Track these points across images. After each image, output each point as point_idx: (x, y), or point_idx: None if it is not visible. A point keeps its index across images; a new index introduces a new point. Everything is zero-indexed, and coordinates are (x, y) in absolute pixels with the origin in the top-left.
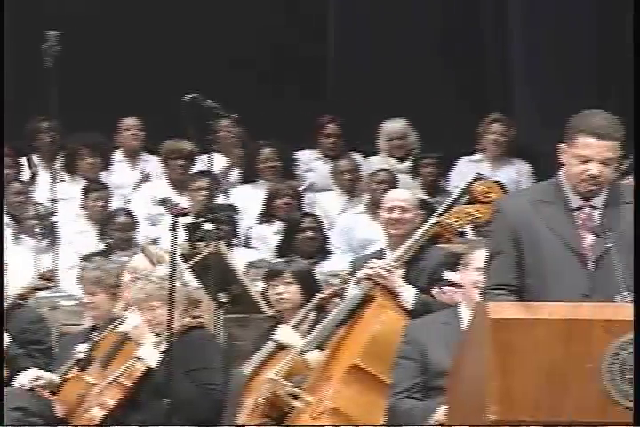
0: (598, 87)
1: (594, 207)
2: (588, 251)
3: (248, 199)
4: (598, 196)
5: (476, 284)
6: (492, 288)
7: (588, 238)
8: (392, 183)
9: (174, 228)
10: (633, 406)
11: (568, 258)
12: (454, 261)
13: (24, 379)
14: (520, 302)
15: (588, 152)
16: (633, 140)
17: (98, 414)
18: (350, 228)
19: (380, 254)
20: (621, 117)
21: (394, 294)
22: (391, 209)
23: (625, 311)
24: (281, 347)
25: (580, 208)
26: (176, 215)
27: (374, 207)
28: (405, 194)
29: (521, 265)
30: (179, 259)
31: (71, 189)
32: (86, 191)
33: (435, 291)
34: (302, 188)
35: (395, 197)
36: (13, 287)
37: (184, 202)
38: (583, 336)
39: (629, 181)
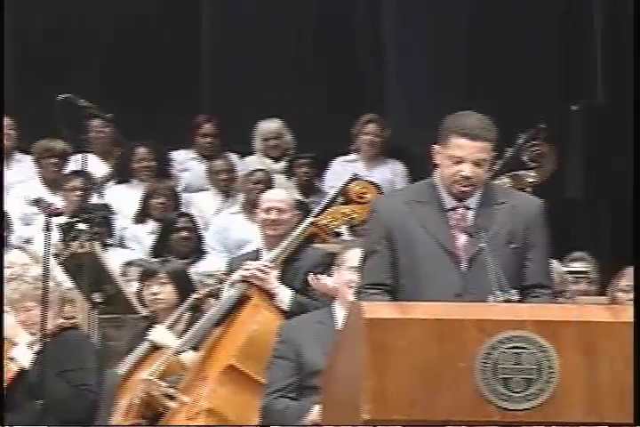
0: (467, 88)
1: (467, 208)
2: (462, 251)
3: (123, 199)
4: (472, 196)
5: (349, 283)
6: (366, 288)
7: (462, 239)
8: (268, 183)
9: (48, 228)
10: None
11: (442, 258)
12: (330, 262)
13: None
14: (394, 301)
15: (461, 153)
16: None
17: None
18: (225, 228)
19: (256, 255)
20: (492, 118)
21: (270, 295)
22: (268, 210)
23: (497, 311)
24: (156, 347)
25: (454, 208)
26: (50, 215)
27: (250, 207)
28: (282, 194)
29: (395, 265)
30: (52, 259)
31: None
32: None
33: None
34: (179, 188)
35: (272, 198)
36: None
37: (58, 202)
38: (456, 336)
39: (503, 181)
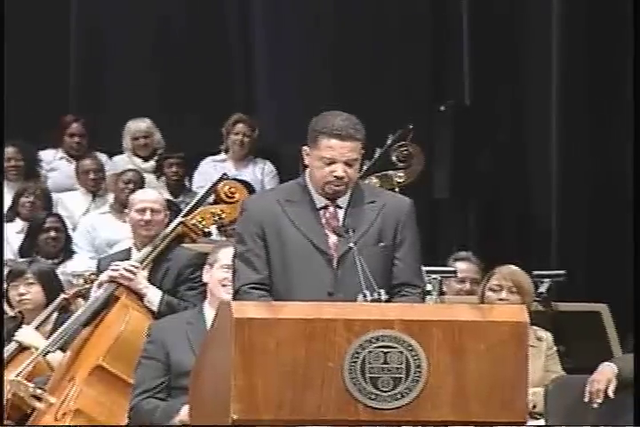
0: (336, 88)
1: (338, 207)
2: (333, 250)
3: None
4: (343, 196)
5: (222, 281)
6: (239, 288)
7: (333, 237)
8: (139, 183)
9: None
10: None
11: (313, 257)
12: (200, 262)
13: None
14: (265, 301)
15: (332, 154)
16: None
17: None
18: (94, 228)
19: (126, 254)
20: (360, 119)
21: (139, 295)
22: (142, 210)
23: (366, 310)
24: (23, 348)
25: (325, 207)
26: None
27: (119, 207)
28: (154, 195)
29: (268, 264)
30: None
31: None
32: None
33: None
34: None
35: (145, 198)
36: None
37: None
38: (325, 335)
39: (372, 181)
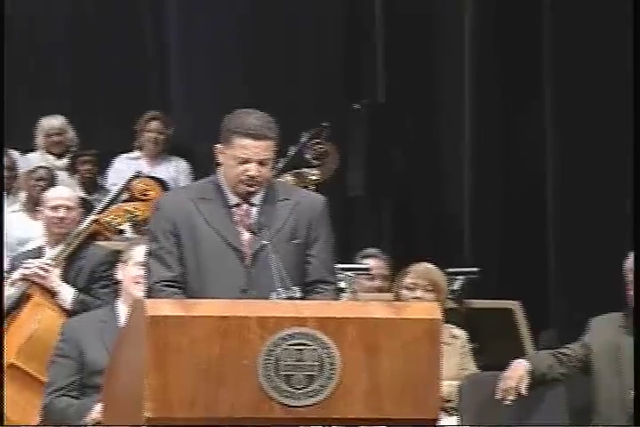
0: (251, 86)
1: (251, 204)
2: (246, 247)
3: None
4: (256, 194)
5: (135, 279)
6: (153, 285)
7: (246, 235)
8: (51, 181)
9: None
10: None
11: (227, 254)
12: (113, 259)
13: None
14: (179, 298)
15: (245, 154)
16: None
17: None
18: (6, 226)
19: (39, 252)
20: (275, 117)
21: (52, 293)
22: (55, 208)
23: (280, 308)
24: None
25: (238, 205)
26: None
27: (31, 205)
28: (68, 192)
29: (182, 262)
30: None
31: None
32: None
33: None
34: None
35: (59, 196)
36: None
37: None
38: (239, 333)
39: (286, 179)
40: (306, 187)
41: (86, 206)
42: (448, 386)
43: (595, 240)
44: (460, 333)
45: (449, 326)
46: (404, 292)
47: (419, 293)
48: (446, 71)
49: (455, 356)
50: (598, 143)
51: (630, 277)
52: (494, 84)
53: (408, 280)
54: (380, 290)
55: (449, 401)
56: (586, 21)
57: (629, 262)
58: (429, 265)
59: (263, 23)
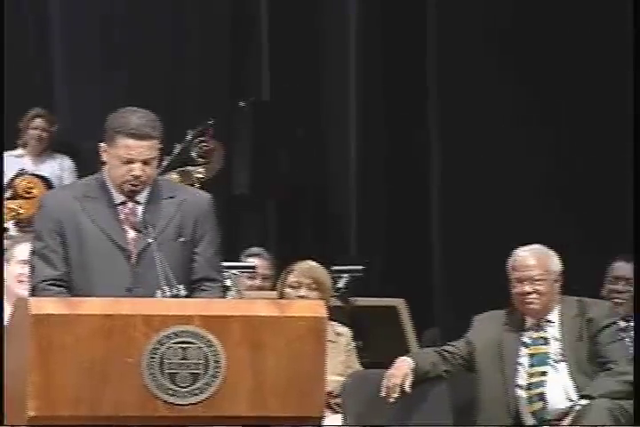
0: (134, 85)
1: (137, 202)
2: (132, 246)
3: None
4: (141, 192)
5: (18, 277)
6: (37, 284)
7: (131, 233)
8: None
9: None
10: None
11: (112, 253)
12: None
13: None
14: (65, 297)
15: (129, 154)
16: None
17: None
18: None
19: None
20: (160, 115)
21: None
22: None
23: (165, 306)
24: None
25: (123, 203)
26: None
27: None
28: None
29: (67, 261)
30: None
31: None
32: None
33: None
34: None
35: None
36: None
37: None
38: (123, 331)
39: (171, 177)
40: (191, 185)
41: None
42: (336, 382)
43: (478, 239)
44: (345, 330)
45: (333, 323)
46: (288, 290)
47: (302, 291)
48: (332, 70)
49: (340, 354)
50: (481, 143)
51: (515, 275)
52: (379, 82)
53: (292, 279)
54: (260, 289)
55: (336, 397)
56: (470, 18)
57: (511, 260)
58: (313, 263)
59: (148, 22)
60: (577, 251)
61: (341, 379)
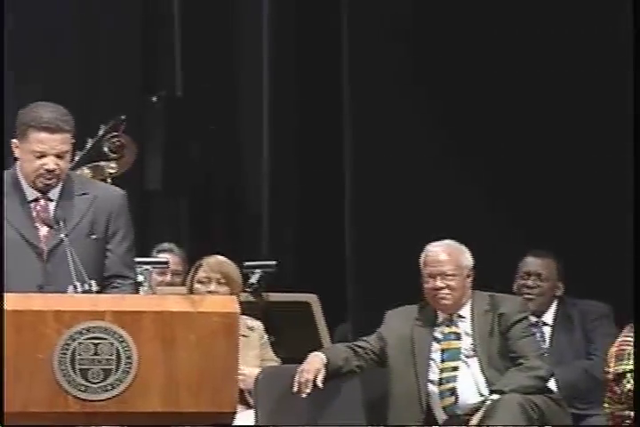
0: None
1: (49, 199)
2: (43, 243)
3: None
4: (54, 188)
5: None
6: None
7: (43, 230)
8: None
9: None
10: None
11: (24, 250)
12: None
13: None
14: None
15: (42, 147)
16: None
17: None
18: None
19: None
20: (72, 110)
21: None
22: None
23: (76, 302)
24: None
25: (35, 200)
26: None
27: None
28: None
29: None
30: None
31: None
32: None
33: None
34: None
35: None
36: None
37: None
38: (35, 327)
39: (84, 172)
40: (103, 180)
41: None
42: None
43: (390, 235)
44: (257, 324)
45: (245, 317)
46: (197, 285)
47: (212, 286)
48: (245, 66)
49: (254, 347)
50: (394, 137)
51: (427, 270)
52: (292, 79)
53: (201, 274)
54: (171, 285)
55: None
56: (377, 17)
57: (423, 256)
58: (222, 258)
59: (62, 18)
60: (493, 246)
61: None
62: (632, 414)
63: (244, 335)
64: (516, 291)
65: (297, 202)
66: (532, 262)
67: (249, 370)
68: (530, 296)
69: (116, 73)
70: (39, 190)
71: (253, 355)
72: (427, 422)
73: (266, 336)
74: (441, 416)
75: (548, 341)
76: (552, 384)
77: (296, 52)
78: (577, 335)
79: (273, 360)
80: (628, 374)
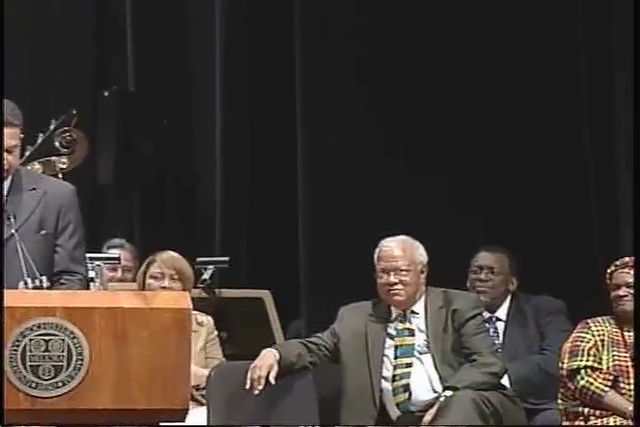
0: None
1: None
2: None
3: None
4: (3, 182)
5: None
6: None
7: None
8: None
9: None
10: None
11: None
12: None
13: None
14: None
15: None
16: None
17: None
18: None
19: None
20: (20, 104)
21: None
22: None
23: (27, 298)
24: None
25: None
26: None
27: None
28: None
29: None
30: None
31: None
32: None
33: None
34: None
35: None
36: None
37: None
38: None
39: (35, 167)
40: (55, 175)
41: None
42: (201, 374)
43: (344, 230)
44: (206, 319)
45: (195, 313)
46: (150, 281)
47: (165, 282)
48: (197, 60)
49: (201, 343)
50: (346, 130)
51: (381, 265)
52: (245, 74)
53: (153, 269)
54: (122, 281)
55: (202, 389)
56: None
57: (377, 251)
58: (174, 254)
59: (12, 13)
60: (448, 242)
61: (205, 371)
62: (586, 410)
63: (193, 331)
64: (469, 286)
65: (250, 199)
66: (484, 257)
67: (194, 368)
68: (482, 289)
69: (67, 67)
70: None
71: (200, 350)
72: (380, 418)
73: (215, 333)
74: (394, 413)
75: (501, 336)
76: (505, 380)
77: (249, 46)
78: (530, 331)
79: (218, 358)
80: (582, 371)
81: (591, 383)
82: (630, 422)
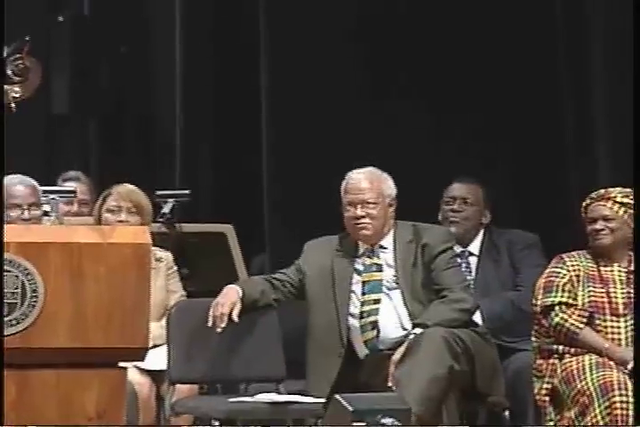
0: None
1: None
2: None
3: None
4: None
5: None
6: None
7: None
8: None
9: None
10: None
11: None
12: None
13: None
14: None
15: None
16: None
17: None
18: None
19: None
20: None
21: None
22: None
23: None
24: None
25: None
26: None
27: None
28: None
29: None
30: None
31: None
32: None
33: None
34: None
35: None
36: None
37: None
38: None
39: None
40: (8, 104)
41: None
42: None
43: (309, 163)
44: (165, 255)
45: (153, 248)
46: (107, 215)
47: (123, 216)
48: None
49: (161, 278)
50: (312, 62)
51: (348, 198)
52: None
53: (110, 202)
54: (78, 215)
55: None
56: None
57: (344, 183)
58: (132, 187)
59: None
60: (418, 175)
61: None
62: (560, 347)
63: (152, 268)
64: (441, 219)
65: (212, 129)
66: (457, 188)
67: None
68: (455, 220)
69: None
70: None
71: (160, 286)
72: (347, 357)
73: (175, 267)
74: (362, 351)
75: (473, 271)
76: (477, 317)
77: None
78: (504, 266)
79: (178, 292)
80: (557, 307)
81: (566, 320)
82: (606, 360)
